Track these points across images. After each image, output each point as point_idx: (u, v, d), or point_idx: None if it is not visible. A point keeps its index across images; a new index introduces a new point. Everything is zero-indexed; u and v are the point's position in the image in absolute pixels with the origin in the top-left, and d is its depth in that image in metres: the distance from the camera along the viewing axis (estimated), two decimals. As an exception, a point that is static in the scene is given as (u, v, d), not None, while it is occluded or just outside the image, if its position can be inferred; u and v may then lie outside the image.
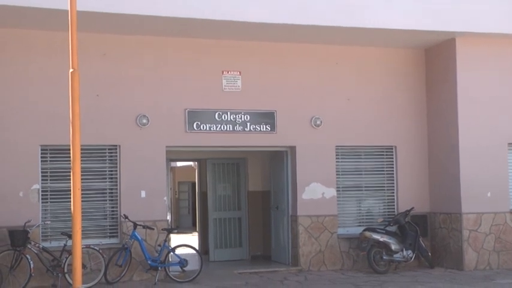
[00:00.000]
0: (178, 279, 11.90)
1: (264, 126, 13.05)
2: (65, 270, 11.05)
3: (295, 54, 13.30)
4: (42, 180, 11.76)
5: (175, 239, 15.65)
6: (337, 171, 13.53)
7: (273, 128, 13.09)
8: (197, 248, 13.34)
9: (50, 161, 11.89)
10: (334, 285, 11.40)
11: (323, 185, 13.32)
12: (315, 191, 13.27)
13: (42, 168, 11.80)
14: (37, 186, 11.64)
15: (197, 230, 16.88)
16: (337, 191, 13.50)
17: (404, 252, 12.96)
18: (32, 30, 11.68)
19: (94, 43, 11.94)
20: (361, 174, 13.87)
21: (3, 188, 11.42)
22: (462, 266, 12.95)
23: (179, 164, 23.23)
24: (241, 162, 15.33)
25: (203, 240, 15.94)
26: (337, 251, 13.34)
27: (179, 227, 23.03)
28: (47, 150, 11.85)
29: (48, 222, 11.68)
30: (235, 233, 15.21)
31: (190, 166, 21.88)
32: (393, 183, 13.98)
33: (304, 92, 13.35)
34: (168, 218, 13.04)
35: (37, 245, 11.24)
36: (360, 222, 13.75)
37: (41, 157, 11.81)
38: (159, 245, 12.01)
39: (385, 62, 13.91)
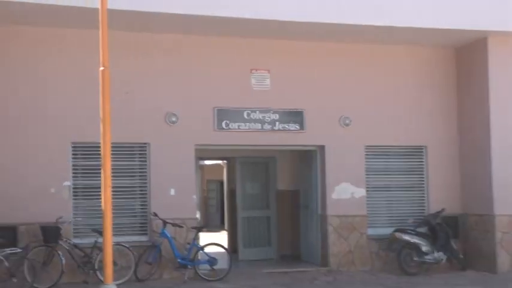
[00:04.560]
0: (207, 278, 11.91)
1: (293, 125, 13.02)
2: (96, 267, 11.15)
3: (324, 52, 13.23)
4: (73, 177, 11.90)
5: (204, 237, 15.66)
6: (366, 171, 13.44)
7: (301, 126, 13.06)
8: (226, 247, 13.34)
9: (81, 158, 12.01)
10: (365, 286, 11.32)
11: (352, 185, 13.24)
12: (344, 190, 13.20)
13: (73, 165, 11.93)
14: (68, 183, 11.77)
15: (226, 228, 16.88)
16: (367, 191, 13.41)
17: (436, 254, 12.80)
18: (64, 29, 11.80)
19: (124, 41, 12.02)
20: (391, 174, 13.75)
21: (35, 184, 11.56)
22: (495, 269, 12.74)
23: (208, 162, 23.28)
24: (270, 161, 15.30)
25: (232, 238, 15.97)
26: (367, 252, 13.25)
27: (207, 225, 23.06)
28: (77, 147, 11.97)
29: (80, 219, 11.79)
30: (264, 232, 15.19)
31: (219, 164, 21.90)
32: (423, 183, 13.83)
33: (333, 91, 13.28)
34: (197, 216, 13.08)
35: (68, 241, 11.36)
36: (389, 223, 13.62)
37: (72, 154, 11.94)
38: (189, 243, 12.04)
39: (415, 61, 13.77)
